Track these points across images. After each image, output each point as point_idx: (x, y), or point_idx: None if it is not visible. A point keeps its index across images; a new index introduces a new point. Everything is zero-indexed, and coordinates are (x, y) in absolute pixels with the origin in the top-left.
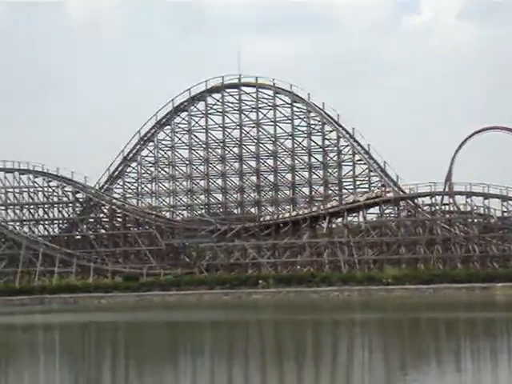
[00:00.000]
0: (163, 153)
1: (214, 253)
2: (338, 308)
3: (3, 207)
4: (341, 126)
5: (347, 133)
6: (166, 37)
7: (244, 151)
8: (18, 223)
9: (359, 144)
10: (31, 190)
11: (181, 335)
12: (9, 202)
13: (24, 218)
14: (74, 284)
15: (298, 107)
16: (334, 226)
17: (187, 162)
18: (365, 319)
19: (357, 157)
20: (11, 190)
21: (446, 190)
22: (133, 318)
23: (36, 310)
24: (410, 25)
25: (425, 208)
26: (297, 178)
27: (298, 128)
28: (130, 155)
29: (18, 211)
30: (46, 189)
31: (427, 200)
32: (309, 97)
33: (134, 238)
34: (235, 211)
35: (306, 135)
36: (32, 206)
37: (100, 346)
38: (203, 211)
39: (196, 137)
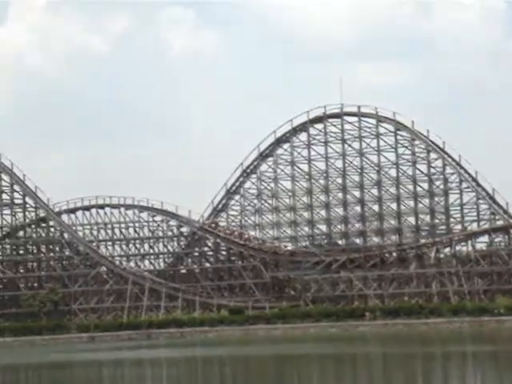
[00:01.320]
0: (266, 185)
1: (319, 285)
2: (448, 340)
3: (110, 242)
4: (446, 154)
5: (453, 160)
6: (269, 65)
7: (347, 181)
8: (124, 258)
9: (466, 171)
10: (137, 224)
11: (288, 369)
12: (115, 237)
13: (130, 252)
14: (180, 318)
15: (401, 135)
16: (441, 255)
17: (290, 194)
18: (477, 352)
19: (464, 184)
20: (117, 225)
21: None
22: (239, 351)
23: (143, 345)
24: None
25: None
26: (402, 207)
27: (403, 156)
28: (233, 188)
29: (124, 246)
30: (151, 223)
31: None
32: (413, 124)
33: (239, 271)
34: (340, 242)
35: (410, 163)
36: (138, 241)
37: (207, 381)
38: (307, 243)
39: (299, 168)
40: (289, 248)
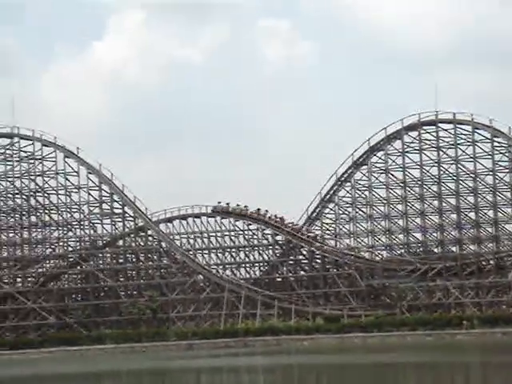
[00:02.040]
0: (360, 193)
1: (414, 293)
2: None
3: (206, 251)
4: None
5: None
6: (361, 74)
7: (443, 188)
8: (220, 266)
9: None
10: (232, 233)
11: (385, 377)
12: (211, 245)
13: (226, 261)
14: (276, 326)
15: (498, 142)
16: None
17: (385, 202)
18: None
19: None
20: (213, 234)
21: None
22: (335, 359)
23: (240, 353)
24: None
25: None
26: (499, 214)
27: (500, 163)
28: (328, 196)
29: (220, 255)
30: (246, 232)
31: None
32: (510, 131)
33: (334, 279)
34: (435, 250)
35: (508, 170)
36: (233, 250)
37: None
38: (402, 251)
39: (393, 176)
40: (384, 256)
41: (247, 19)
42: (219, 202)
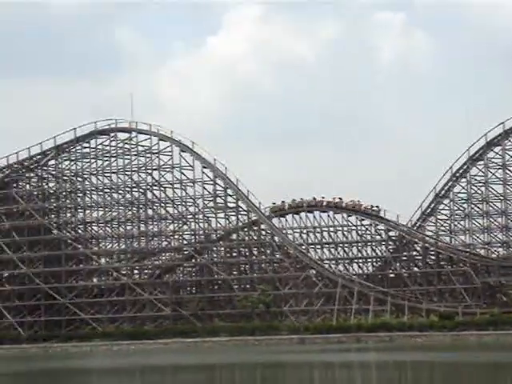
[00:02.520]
0: (476, 189)
1: None
2: None
3: (319, 246)
4: None
5: None
6: (478, 67)
7: None
8: (333, 262)
9: None
10: (345, 228)
11: (498, 377)
12: (324, 240)
13: (339, 256)
14: (389, 322)
15: None
16: None
17: (502, 198)
18: None
19: None
20: (326, 229)
21: None
22: (449, 357)
23: (353, 348)
24: None
25: None
26: None
27: None
28: (442, 192)
29: (332, 250)
30: (359, 227)
31: None
32: None
33: (448, 276)
34: None
35: None
36: (346, 245)
37: None
38: None
39: (511, 171)
40: (500, 253)
41: (362, 13)
42: (283, 201)
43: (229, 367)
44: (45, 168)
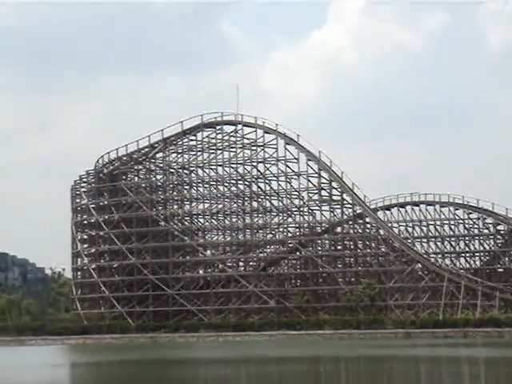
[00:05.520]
0: None
1: None
2: None
3: (425, 240)
4: None
5: None
6: None
7: None
8: (439, 256)
9: None
10: (452, 222)
11: None
12: (430, 234)
13: (445, 250)
14: (498, 318)
15: None
16: None
17: None
18: None
19: None
20: (432, 222)
21: None
22: None
23: (460, 343)
24: None
25: None
26: None
27: None
28: None
29: (439, 243)
30: (466, 221)
31: None
32: None
33: None
34: None
35: None
36: (453, 239)
37: None
38: None
39: None
40: None
41: (469, 3)
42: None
43: (333, 360)
44: (153, 160)
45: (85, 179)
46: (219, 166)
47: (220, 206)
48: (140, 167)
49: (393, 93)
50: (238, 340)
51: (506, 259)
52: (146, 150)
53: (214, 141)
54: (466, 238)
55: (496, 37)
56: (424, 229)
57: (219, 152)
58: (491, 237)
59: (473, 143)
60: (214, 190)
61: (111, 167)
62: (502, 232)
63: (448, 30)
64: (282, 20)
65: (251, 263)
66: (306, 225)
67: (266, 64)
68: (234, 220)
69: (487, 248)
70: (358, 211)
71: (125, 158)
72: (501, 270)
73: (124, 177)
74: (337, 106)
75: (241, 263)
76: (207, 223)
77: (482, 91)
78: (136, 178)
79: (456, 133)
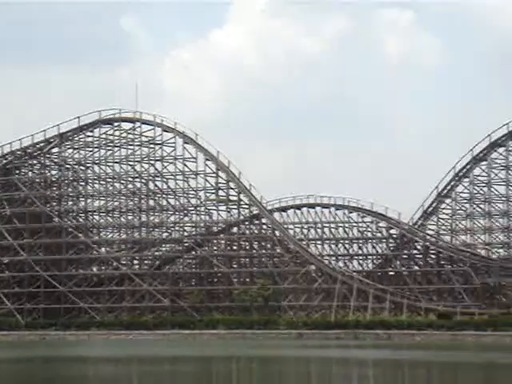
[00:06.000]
0: (479, 189)
1: None
2: None
3: (320, 242)
4: None
5: None
6: (484, 68)
7: None
8: (333, 258)
9: None
10: (346, 225)
11: (495, 377)
12: (325, 236)
13: (339, 252)
14: (388, 320)
15: None
16: None
17: (504, 199)
18: None
19: None
20: (327, 225)
21: None
22: (446, 357)
23: (350, 345)
24: None
25: None
26: None
27: None
28: (445, 191)
29: (333, 246)
30: (360, 224)
31: None
32: None
33: (448, 276)
34: None
35: None
36: (347, 241)
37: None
38: None
39: None
40: (501, 254)
41: (368, 9)
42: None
43: (225, 360)
44: (48, 156)
45: None
46: (116, 163)
47: (116, 204)
48: (35, 162)
49: (292, 94)
50: (130, 339)
51: (398, 263)
52: (42, 144)
53: (111, 137)
54: (360, 241)
55: (392, 45)
56: (319, 231)
57: (116, 149)
58: (384, 240)
59: (370, 147)
60: (110, 187)
61: (4, 161)
62: (394, 236)
63: (347, 36)
64: (184, 19)
65: (146, 261)
66: (202, 224)
67: (166, 62)
68: (129, 218)
69: (379, 251)
70: (255, 212)
71: (19, 153)
72: (392, 273)
73: (18, 171)
74: (236, 106)
75: (136, 261)
76: (102, 220)
77: (380, 99)
78: (30, 172)
79: (353, 136)
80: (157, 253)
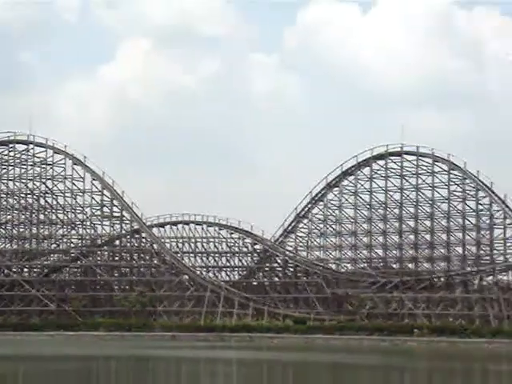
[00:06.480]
0: (331, 211)
1: (373, 302)
2: (486, 359)
3: (193, 254)
4: (494, 193)
5: (499, 198)
6: (338, 108)
7: (404, 212)
8: (204, 269)
9: (510, 209)
10: (216, 240)
11: (339, 375)
12: (197, 250)
13: (209, 264)
14: (250, 324)
15: (454, 174)
16: (484, 283)
17: (352, 220)
18: None
19: (508, 221)
20: (200, 239)
21: None
22: (300, 357)
23: (217, 346)
24: None
25: None
26: (452, 238)
27: (454, 193)
28: (302, 213)
29: (204, 258)
30: (228, 240)
31: None
32: (465, 165)
33: (303, 286)
34: (394, 266)
35: (460, 200)
36: (216, 255)
37: (273, 381)
38: (365, 265)
39: (361, 198)
40: (348, 268)
41: (239, 52)
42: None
43: (104, 359)
44: None
45: None
46: (10, 180)
47: (9, 217)
48: None
49: (175, 126)
50: (18, 339)
51: (260, 274)
52: None
53: (6, 157)
54: (228, 255)
55: (261, 85)
56: (192, 245)
57: (11, 168)
58: (249, 254)
59: (237, 173)
60: (4, 203)
61: None
62: (258, 251)
63: (221, 75)
64: (77, 54)
65: (35, 269)
66: (87, 237)
67: (60, 93)
68: (21, 230)
69: (245, 264)
70: (136, 227)
71: None
72: (255, 283)
73: None
74: (123, 132)
75: (25, 269)
76: None
77: (247, 132)
78: None
79: (225, 167)
80: (46, 262)
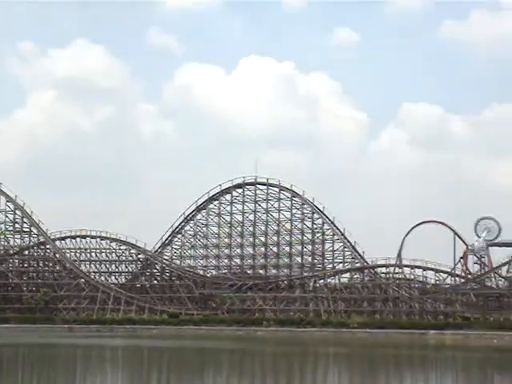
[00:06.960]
0: (200, 228)
1: (232, 300)
2: (318, 343)
3: (88, 262)
4: (325, 215)
5: (329, 219)
6: (207, 147)
7: (257, 229)
8: (97, 274)
9: (337, 228)
10: (108, 251)
11: (202, 355)
12: (92, 258)
13: (102, 270)
14: (134, 318)
15: (295, 200)
16: (317, 285)
17: (216, 236)
18: (337, 352)
19: (335, 237)
20: (94, 250)
21: (397, 263)
22: (174, 344)
23: (107, 335)
24: (373, 149)
25: (382, 275)
26: (293, 249)
27: (295, 215)
28: (177, 229)
29: (97, 265)
30: (117, 250)
31: (384, 269)
32: (303, 193)
33: (177, 288)
34: (249, 271)
35: (300, 220)
36: (108, 262)
37: (151, 362)
38: (226, 271)
39: (223, 218)
40: (213, 273)
41: (129, 101)
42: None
43: (13, 346)
44: None
45: None
46: None
47: None
48: None
49: (78, 159)
50: None
51: (143, 278)
52: None
53: None
54: (117, 262)
55: (146, 128)
56: (88, 254)
57: None
58: (134, 262)
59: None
60: None
61: None
62: (141, 259)
63: (114, 119)
64: None
65: None
66: (1, 248)
67: None
68: None
69: (130, 270)
70: (42, 240)
71: None
72: (138, 285)
73: None
74: (35, 164)
75: None
76: None
77: (137, 166)
78: None
79: (115, 189)
80: None
